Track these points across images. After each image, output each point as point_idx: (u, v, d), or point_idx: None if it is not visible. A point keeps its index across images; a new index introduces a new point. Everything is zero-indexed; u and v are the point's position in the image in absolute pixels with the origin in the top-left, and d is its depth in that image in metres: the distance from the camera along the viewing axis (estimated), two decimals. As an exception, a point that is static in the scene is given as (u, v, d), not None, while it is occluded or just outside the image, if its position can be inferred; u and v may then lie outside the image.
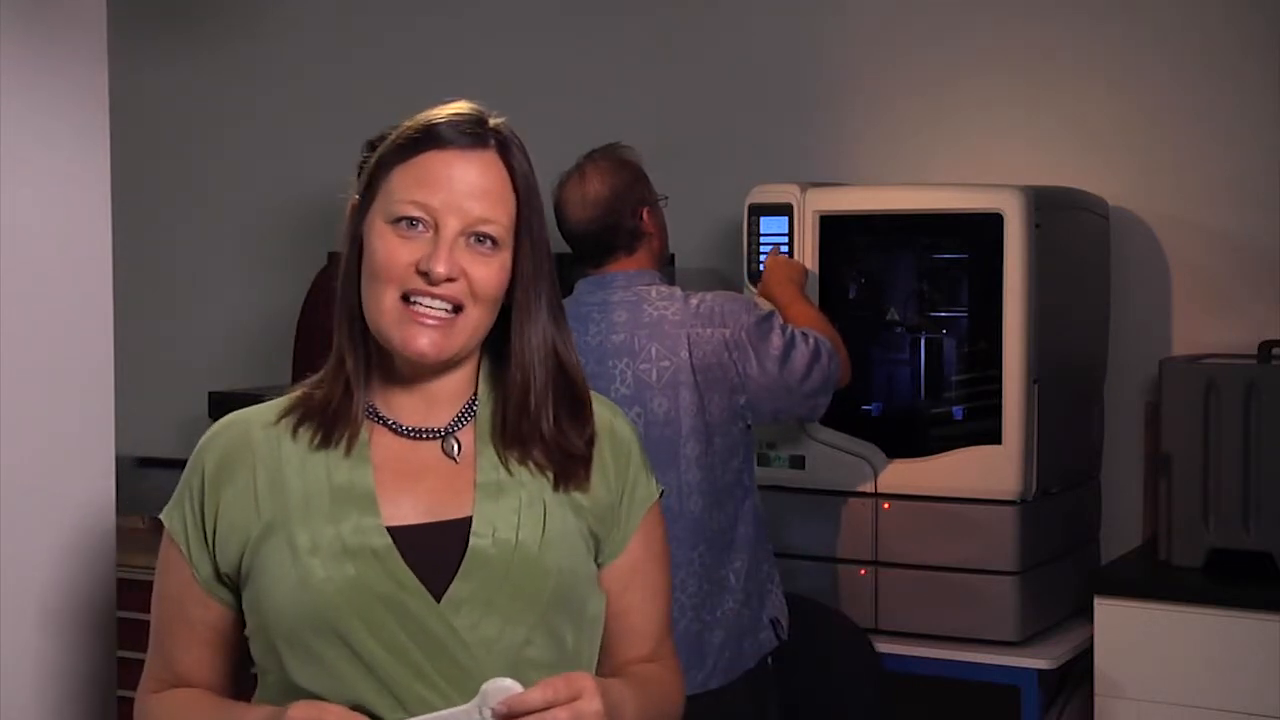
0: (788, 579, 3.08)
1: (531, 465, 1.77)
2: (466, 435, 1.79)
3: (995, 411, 3.13)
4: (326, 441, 1.75)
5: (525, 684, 1.60)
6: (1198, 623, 3.01)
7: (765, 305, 3.07)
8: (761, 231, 3.34)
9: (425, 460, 1.77)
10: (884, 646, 3.15)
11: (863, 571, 3.25)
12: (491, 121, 1.77)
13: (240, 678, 1.83)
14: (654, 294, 2.93)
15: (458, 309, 1.72)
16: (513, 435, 1.77)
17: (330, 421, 1.76)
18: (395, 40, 4.36)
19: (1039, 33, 3.65)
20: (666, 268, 3.22)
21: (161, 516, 1.81)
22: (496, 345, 1.80)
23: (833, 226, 3.29)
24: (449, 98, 1.81)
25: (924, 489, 3.20)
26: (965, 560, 3.16)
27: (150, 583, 1.82)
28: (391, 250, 1.71)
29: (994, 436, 3.13)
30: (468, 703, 1.62)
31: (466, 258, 1.72)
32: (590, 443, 1.80)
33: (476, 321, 1.74)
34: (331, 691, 1.67)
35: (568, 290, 2.89)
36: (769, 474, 3.27)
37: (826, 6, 3.87)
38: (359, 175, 1.79)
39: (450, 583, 1.69)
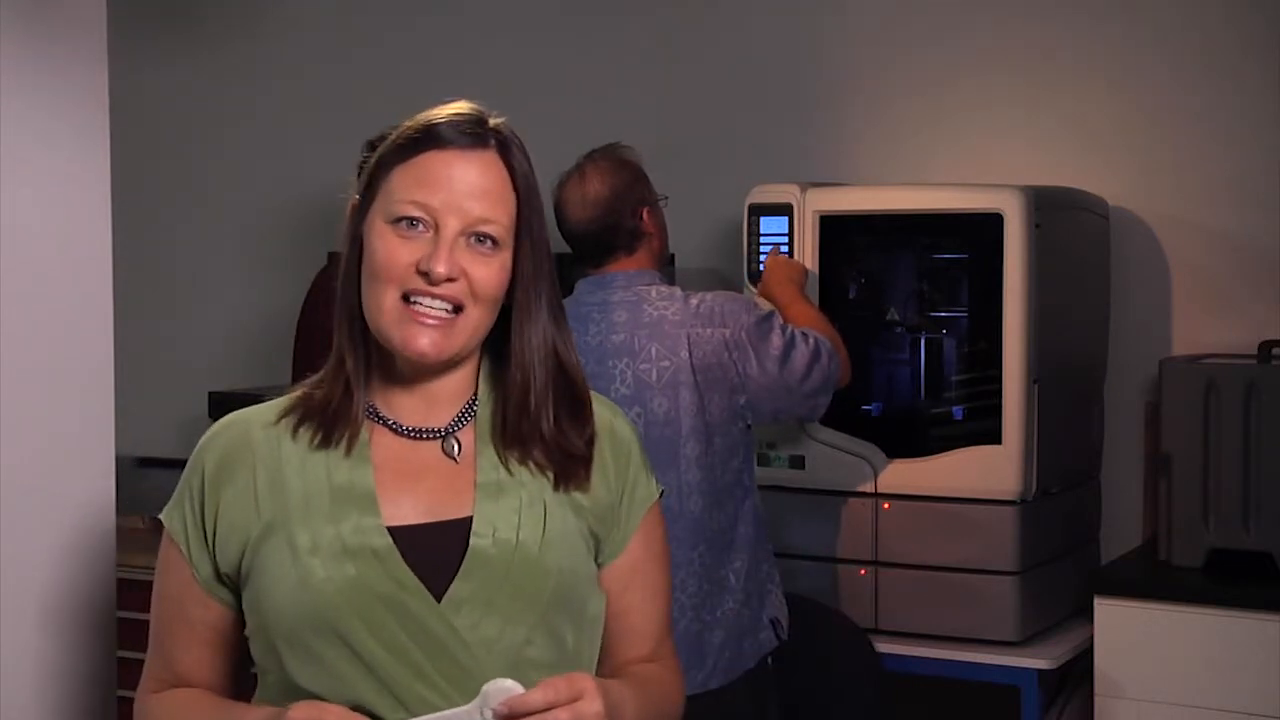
0: (788, 579, 3.08)
1: (532, 465, 1.77)
2: (467, 435, 1.79)
3: (995, 411, 3.13)
4: (326, 441, 1.75)
5: (526, 684, 1.60)
6: (1198, 623, 3.01)
7: (765, 305, 3.07)
8: (761, 231, 3.34)
9: (425, 460, 1.77)
10: (884, 646, 3.15)
11: (863, 571, 3.25)
12: (491, 121, 1.77)
13: (240, 678, 1.82)
14: (654, 294, 2.93)
15: (458, 309, 1.72)
16: (513, 435, 1.77)
17: (330, 421, 1.76)
18: (395, 40, 4.36)
19: (1039, 33, 3.65)
20: (666, 268, 3.22)
21: (161, 516, 1.81)
22: (496, 345, 1.80)
23: (833, 226, 3.29)
24: (449, 98, 1.81)
25: (924, 489, 3.20)
26: (965, 560, 3.16)
27: (150, 583, 1.82)
28: (392, 250, 1.71)
29: (994, 436, 3.13)
30: (468, 703, 1.62)
31: (467, 258, 1.72)
32: (590, 443, 1.80)
33: (477, 321, 1.74)
34: (332, 691, 1.67)
35: (568, 290, 2.88)
36: (769, 474, 3.27)
37: (826, 6, 3.87)
38: (359, 175, 1.79)
39: (450, 583, 1.69)
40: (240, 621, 1.77)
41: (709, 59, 3.98)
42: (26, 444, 2.28)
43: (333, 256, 2.43)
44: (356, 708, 1.64)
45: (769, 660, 2.95)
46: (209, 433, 1.81)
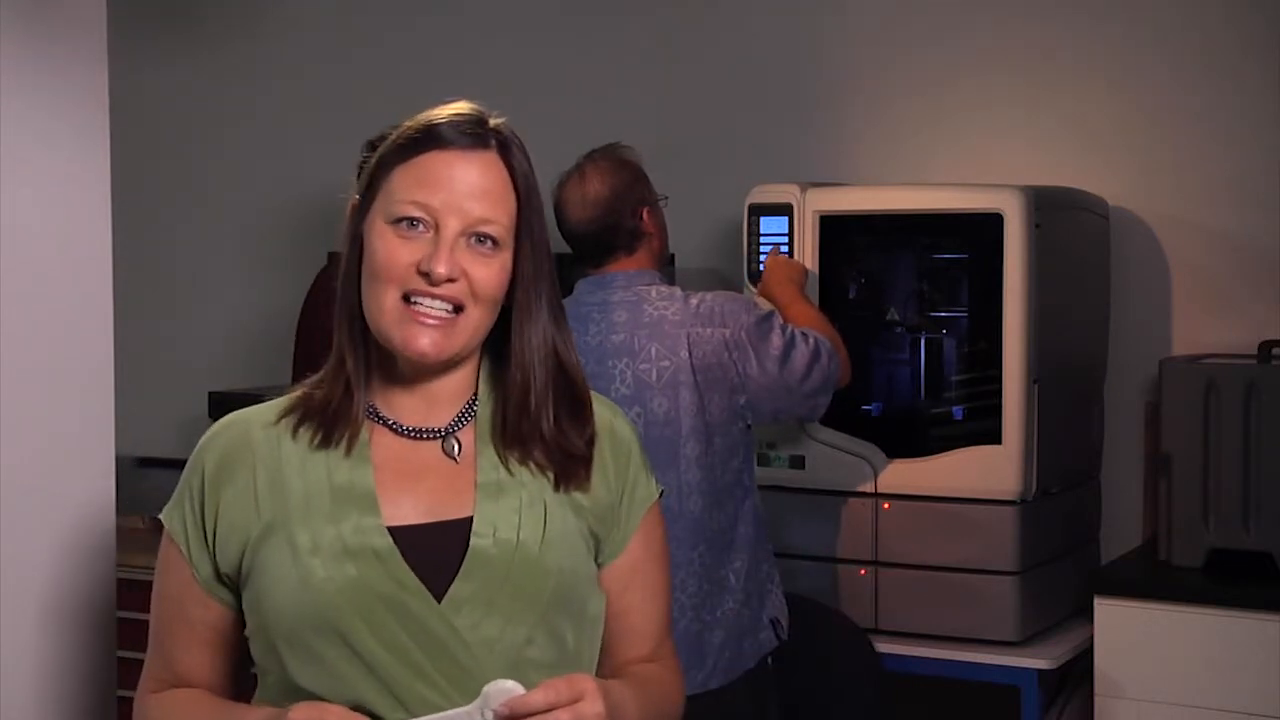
0: (788, 579, 3.08)
1: (532, 465, 1.77)
2: (467, 435, 1.79)
3: (995, 411, 3.13)
4: (327, 441, 1.75)
5: (526, 684, 1.60)
6: (1198, 623, 3.01)
7: (765, 305, 3.07)
8: (761, 231, 3.34)
9: (426, 460, 1.77)
10: (884, 646, 3.15)
11: (863, 571, 3.25)
12: (492, 121, 1.77)
13: (240, 678, 1.82)
14: (654, 294, 2.93)
15: (458, 309, 1.72)
16: (513, 435, 1.77)
17: (330, 421, 1.76)
18: (395, 40, 4.36)
19: (1039, 33, 3.65)
20: (666, 268, 3.22)
21: (161, 516, 1.81)
22: (497, 345, 1.80)
23: (833, 226, 3.30)
24: (449, 98, 1.81)
25: (924, 489, 3.20)
26: (965, 560, 3.16)
27: (150, 583, 1.82)
28: (392, 250, 1.72)
29: (994, 436, 3.13)
30: (469, 703, 1.62)
31: (467, 258, 1.72)
32: (590, 443, 1.80)
33: (477, 322, 1.74)
34: (332, 692, 1.67)
35: (568, 290, 2.88)
36: (769, 474, 3.27)
37: (826, 6, 3.87)
38: (359, 175, 1.79)
39: (451, 583, 1.69)
40: (240, 621, 1.77)
41: (709, 59, 3.98)
42: (26, 444, 2.28)
43: (333, 256, 2.43)
44: (357, 708, 1.64)
45: (769, 660, 2.95)
46: (209, 433, 1.81)
